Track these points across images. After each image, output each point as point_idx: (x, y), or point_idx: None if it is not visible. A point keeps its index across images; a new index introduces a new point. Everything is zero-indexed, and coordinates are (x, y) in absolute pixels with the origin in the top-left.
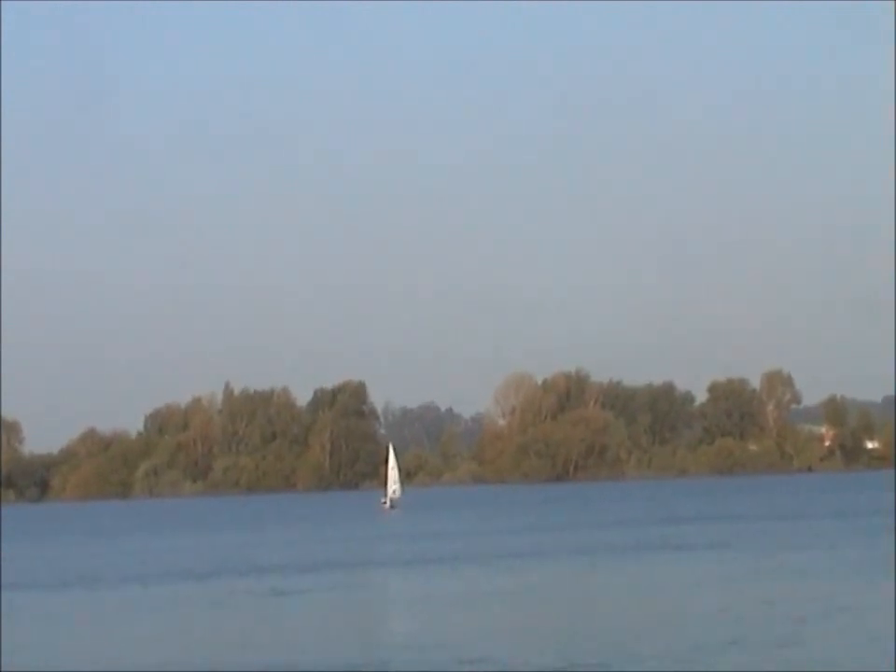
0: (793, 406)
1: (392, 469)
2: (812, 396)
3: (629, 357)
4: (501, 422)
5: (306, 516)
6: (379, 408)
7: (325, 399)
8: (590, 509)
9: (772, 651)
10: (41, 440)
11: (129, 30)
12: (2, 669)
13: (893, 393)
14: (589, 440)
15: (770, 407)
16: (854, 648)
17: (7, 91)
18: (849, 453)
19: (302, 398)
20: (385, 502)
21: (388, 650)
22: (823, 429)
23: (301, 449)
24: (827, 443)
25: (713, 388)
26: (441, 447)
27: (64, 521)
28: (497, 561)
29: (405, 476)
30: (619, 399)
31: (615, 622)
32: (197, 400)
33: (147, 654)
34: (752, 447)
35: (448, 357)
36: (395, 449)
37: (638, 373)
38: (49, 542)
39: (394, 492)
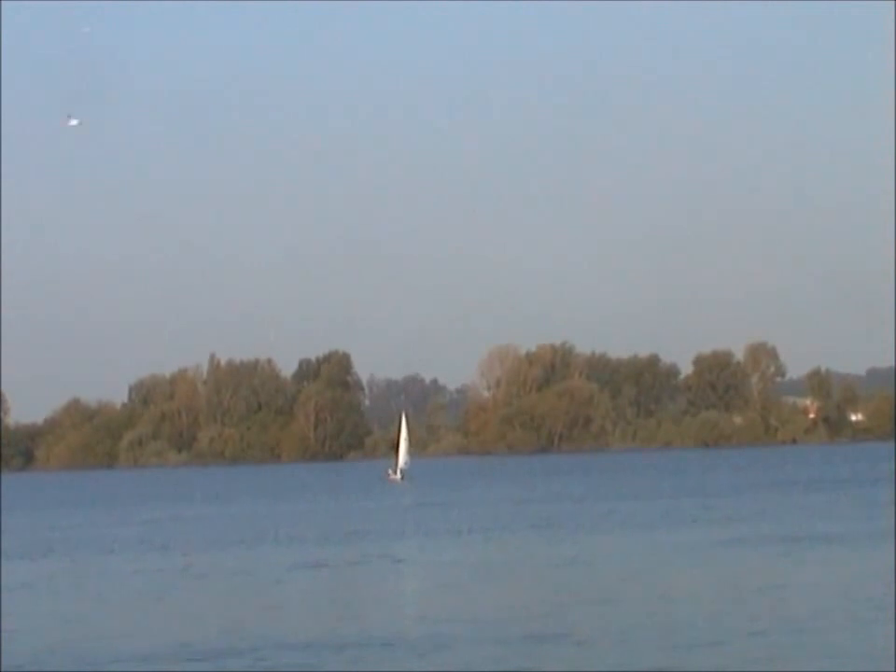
0: (778, 379)
1: (404, 439)
2: (796, 368)
3: (614, 330)
4: (486, 394)
5: (316, 486)
6: (364, 379)
7: (310, 371)
8: (605, 481)
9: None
10: (26, 410)
11: (128, 28)
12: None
13: (877, 365)
14: (574, 411)
15: (754, 379)
16: None
17: (7, 90)
18: (833, 425)
19: (287, 369)
20: (393, 473)
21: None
22: (807, 402)
23: (286, 420)
24: (811, 416)
25: (698, 361)
26: (426, 419)
27: (59, 490)
28: (540, 531)
29: (390, 447)
30: (604, 371)
31: (672, 599)
32: (182, 371)
33: (178, 629)
34: (736, 419)
35: (433, 328)
36: (378, 421)
37: (623, 346)
38: (52, 512)
39: (405, 463)
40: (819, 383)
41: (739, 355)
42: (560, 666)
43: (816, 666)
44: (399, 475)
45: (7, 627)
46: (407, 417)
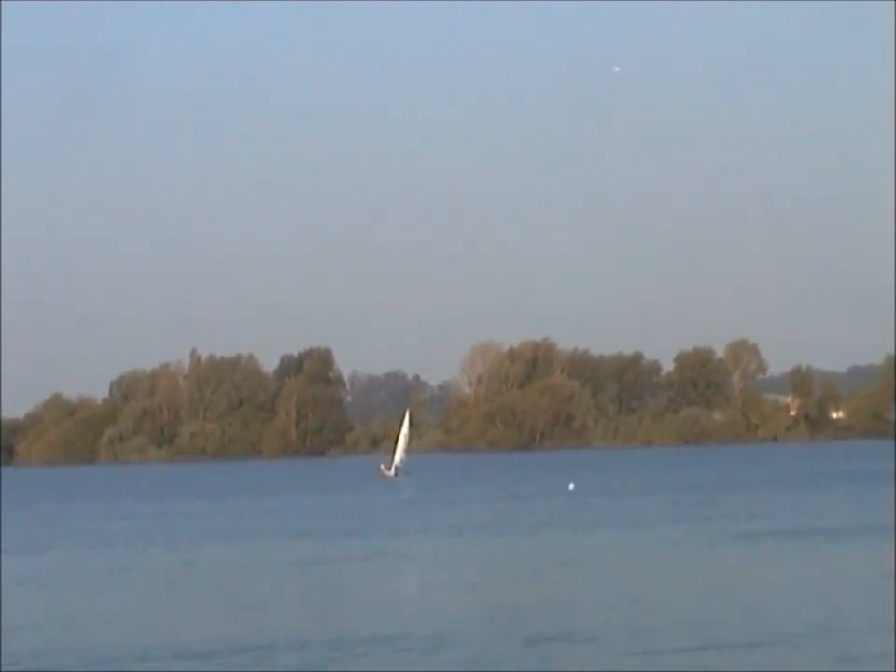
0: (759, 376)
1: (404, 436)
2: (778, 365)
3: (596, 327)
4: (468, 390)
5: (306, 483)
6: (345, 375)
7: (292, 366)
8: (592, 478)
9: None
10: (6, 405)
11: (132, 28)
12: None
13: (858, 363)
14: (555, 408)
15: (736, 377)
16: None
17: (11, 88)
18: (814, 423)
19: (269, 364)
20: (387, 468)
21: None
22: (789, 399)
23: (268, 416)
24: (792, 413)
25: (679, 358)
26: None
27: (42, 486)
28: (537, 528)
29: (371, 444)
30: (586, 368)
31: (672, 598)
32: (163, 366)
33: (177, 626)
34: (718, 417)
35: (415, 324)
36: (360, 417)
37: (606, 343)
38: (37, 508)
39: (401, 459)
40: (800, 380)
41: (721, 352)
42: (561, 666)
43: (815, 666)
44: (392, 471)
45: (5, 624)
46: (410, 415)
